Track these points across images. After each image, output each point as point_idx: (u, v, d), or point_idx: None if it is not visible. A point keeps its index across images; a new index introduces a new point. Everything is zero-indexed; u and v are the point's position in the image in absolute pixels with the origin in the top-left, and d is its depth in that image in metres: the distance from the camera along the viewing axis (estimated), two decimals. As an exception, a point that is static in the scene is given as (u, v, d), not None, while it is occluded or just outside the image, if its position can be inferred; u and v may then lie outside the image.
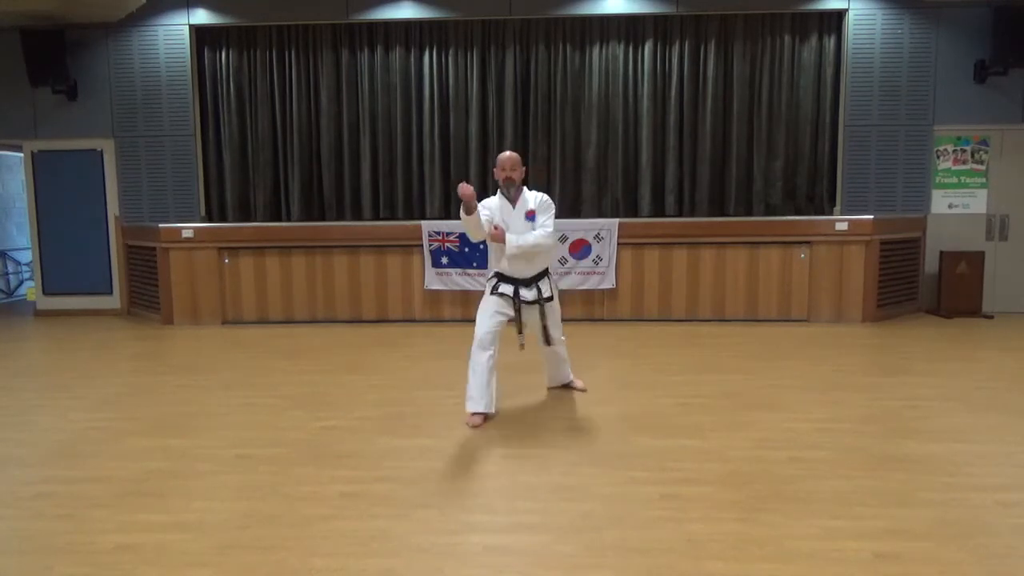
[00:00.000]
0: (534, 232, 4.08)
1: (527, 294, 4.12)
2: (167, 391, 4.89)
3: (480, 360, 4.01)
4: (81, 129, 8.12)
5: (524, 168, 4.26)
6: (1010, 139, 7.67)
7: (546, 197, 4.20)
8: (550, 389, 4.70)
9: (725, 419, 4.07)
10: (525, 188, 4.23)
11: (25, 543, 2.72)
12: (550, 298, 4.21)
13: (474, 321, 4.12)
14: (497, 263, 4.17)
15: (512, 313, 4.12)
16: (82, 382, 5.17)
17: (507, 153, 4.20)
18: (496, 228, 3.98)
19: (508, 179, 4.12)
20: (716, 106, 7.89)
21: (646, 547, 2.61)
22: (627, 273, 7.22)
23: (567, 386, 4.70)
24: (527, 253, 4.05)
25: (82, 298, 8.32)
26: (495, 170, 4.18)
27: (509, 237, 4.00)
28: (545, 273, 4.23)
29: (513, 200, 4.14)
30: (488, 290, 4.18)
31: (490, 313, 4.09)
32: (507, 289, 4.10)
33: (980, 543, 2.61)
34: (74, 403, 4.60)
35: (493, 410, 4.05)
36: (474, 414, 4.02)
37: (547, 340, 4.24)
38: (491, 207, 4.10)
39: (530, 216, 4.12)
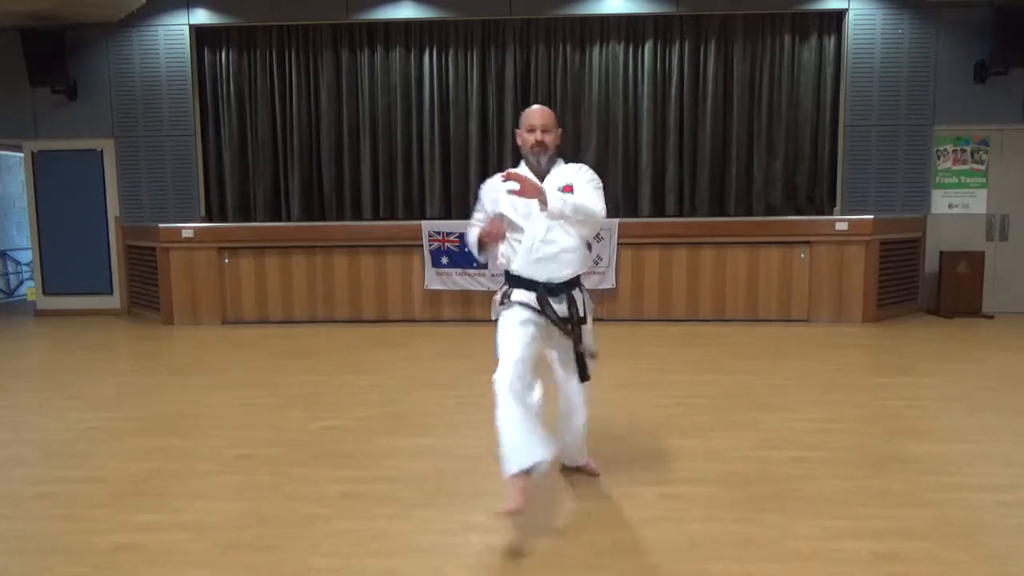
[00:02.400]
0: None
1: (558, 306, 2.88)
2: (167, 391, 4.88)
3: (512, 413, 2.67)
4: (81, 129, 8.11)
5: (560, 130, 2.97)
6: (1010, 139, 7.67)
7: (586, 167, 2.97)
8: (565, 469, 3.32)
9: (725, 419, 4.07)
10: (561, 161, 2.99)
11: (25, 543, 2.72)
12: (584, 319, 2.97)
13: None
14: (514, 258, 2.89)
15: (540, 321, 2.87)
16: (82, 382, 5.17)
17: (538, 106, 2.94)
18: (492, 227, 2.76)
19: (540, 144, 2.85)
20: (716, 106, 7.89)
21: (646, 547, 2.61)
22: (627, 273, 7.22)
23: (578, 467, 3.31)
24: (564, 231, 2.85)
25: (82, 298, 8.32)
26: (519, 132, 2.94)
27: (550, 194, 2.71)
28: (578, 281, 3.00)
29: (543, 173, 2.89)
30: (502, 308, 2.92)
31: (514, 329, 2.81)
32: (525, 296, 2.86)
33: (980, 543, 2.61)
34: (74, 403, 4.60)
35: (550, 456, 2.72)
36: (514, 481, 2.65)
37: (582, 374, 2.96)
38: (501, 186, 2.82)
39: (567, 192, 2.83)
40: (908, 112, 7.60)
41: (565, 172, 2.95)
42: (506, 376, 2.71)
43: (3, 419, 4.29)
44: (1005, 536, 2.67)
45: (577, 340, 2.91)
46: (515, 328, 2.82)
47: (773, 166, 7.93)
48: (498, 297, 2.95)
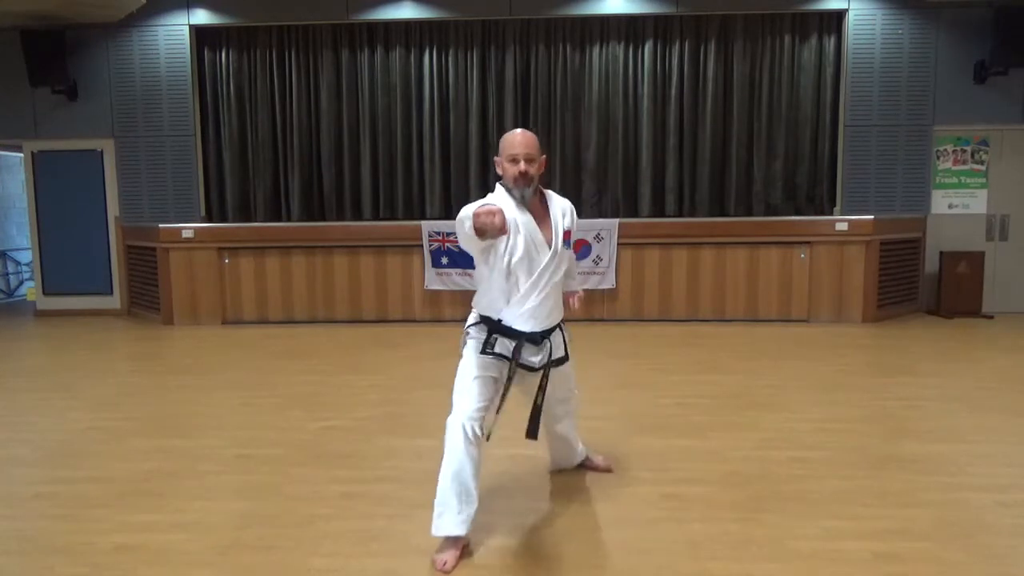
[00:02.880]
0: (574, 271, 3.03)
1: (533, 357, 2.72)
2: (167, 391, 4.88)
3: (454, 465, 2.59)
4: (81, 129, 8.11)
5: (544, 156, 2.72)
6: (1010, 139, 7.67)
7: (571, 206, 2.81)
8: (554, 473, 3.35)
9: (725, 419, 4.07)
10: (552, 193, 2.79)
11: (25, 543, 2.72)
12: (562, 359, 2.84)
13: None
14: (502, 302, 2.66)
15: (502, 380, 2.69)
16: (82, 382, 5.17)
17: (521, 132, 2.65)
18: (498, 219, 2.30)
19: (523, 176, 2.59)
20: (716, 106, 7.89)
21: (646, 547, 2.61)
22: (627, 273, 7.22)
23: (583, 465, 3.36)
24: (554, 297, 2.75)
25: (82, 298, 8.32)
26: (499, 160, 2.66)
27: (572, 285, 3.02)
28: (559, 324, 2.83)
29: (533, 208, 2.66)
30: (471, 345, 2.71)
31: (473, 378, 2.64)
32: (505, 347, 2.67)
33: (980, 543, 2.61)
34: (74, 403, 4.60)
35: (467, 529, 2.59)
36: (448, 541, 2.55)
37: (532, 430, 2.73)
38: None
39: (567, 240, 2.70)
40: (908, 112, 7.60)
41: (561, 207, 2.74)
42: (461, 419, 2.60)
43: (3, 419, 4.29)
44: (1005, 536, 2.67)
45: (542, 392, 2.71)
46: (482, 376, 2.64)
47: (773, 166, 7.93)
48: (475, 334, 2.71)
